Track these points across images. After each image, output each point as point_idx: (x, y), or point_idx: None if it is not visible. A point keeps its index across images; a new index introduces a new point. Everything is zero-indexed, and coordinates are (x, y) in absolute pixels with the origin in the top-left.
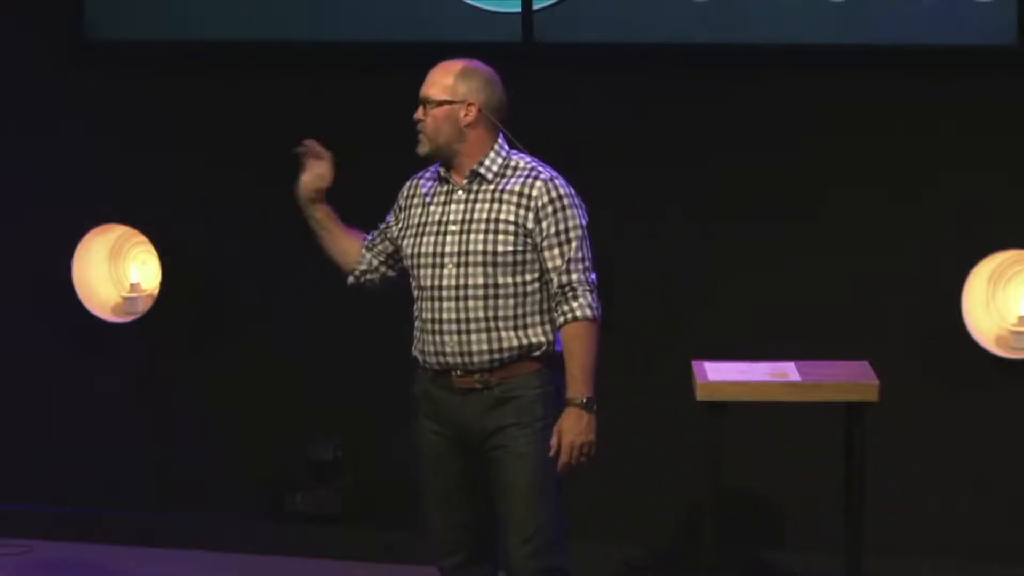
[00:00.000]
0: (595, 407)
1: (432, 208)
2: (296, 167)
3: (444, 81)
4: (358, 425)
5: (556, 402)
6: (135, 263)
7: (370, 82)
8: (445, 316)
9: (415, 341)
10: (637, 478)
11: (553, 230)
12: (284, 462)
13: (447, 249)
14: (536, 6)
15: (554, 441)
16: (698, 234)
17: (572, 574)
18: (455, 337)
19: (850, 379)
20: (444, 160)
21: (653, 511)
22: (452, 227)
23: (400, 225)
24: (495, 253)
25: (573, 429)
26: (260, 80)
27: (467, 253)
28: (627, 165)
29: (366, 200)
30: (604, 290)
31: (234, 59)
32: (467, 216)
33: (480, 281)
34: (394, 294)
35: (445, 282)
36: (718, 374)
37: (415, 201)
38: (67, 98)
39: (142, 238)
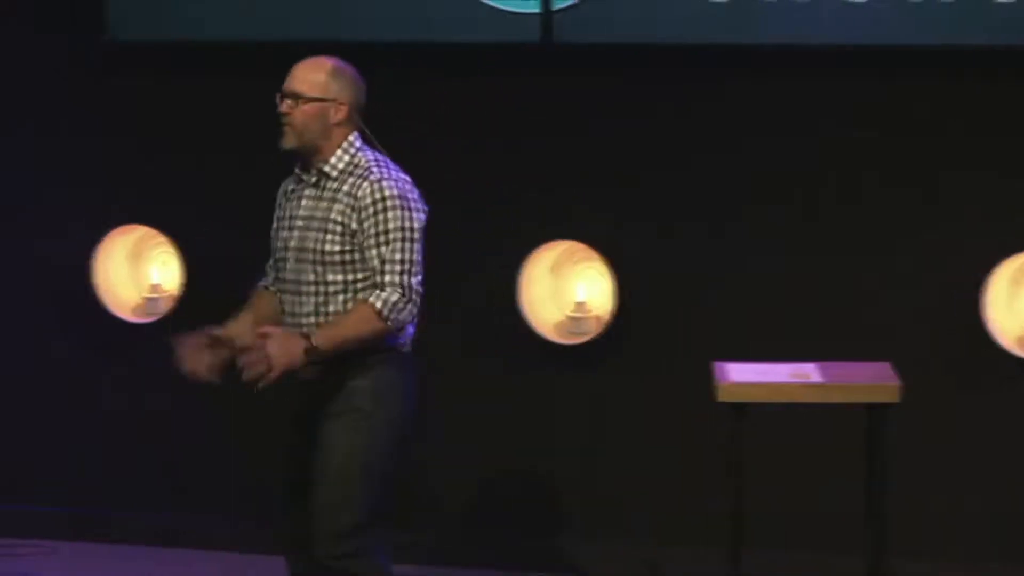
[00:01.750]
0: (313, 355)
1: (290, 204)
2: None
3: (315, 77)
4: None
5: (388, 396)
6: (156, 264)
7: (389, 82)
8: (299, 310)
9: None
10: (658, 479)
11: (373, 231)
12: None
13: (291, 244)
14: (555, 6)
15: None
16: (718, 233)
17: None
18: (308, 330)
19: (871, 380)
20: (302, 156)
21: (674, 512)
22: (298, 223)
23: (274, 224)
24: (323, 252)
25: (283, 346)
26: (283, 80)
27: (302, 250)
28: (646, 164)
29: None
30: (630, 286)
31: (256, 59)
32: (305, 213)
33: (311, 278)
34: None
35: (289, 276)
36: (739, 375)
37: (285, 198)
38: (89, 99)
39: (163, 239)
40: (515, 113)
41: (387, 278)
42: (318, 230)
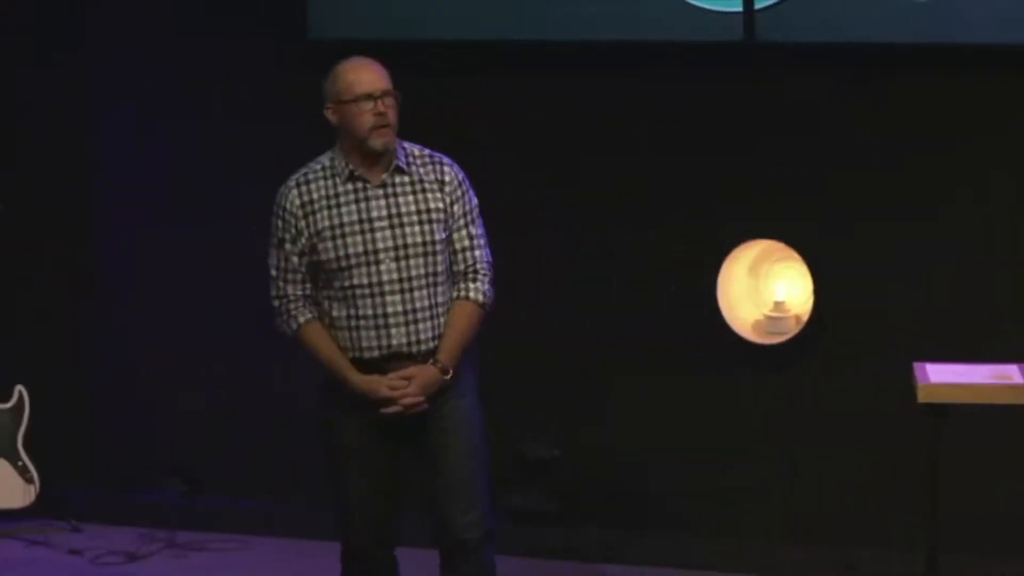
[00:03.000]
0: (448, 376)
1: (344, 208)
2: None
3: (388, 75)
4: (573, 423)
5: (477, 382)
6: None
7: (591, 81)
8: (391, 310)
9: (340, 340)
10: (855, 480)
11: (462, 211)
12: (499, 460)
13: (380, 246)
14: (758, 5)
15: (405, 383)
16: (917, 232)
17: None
18: (403, 328)
19: None
20: (373, 155)
21: (873, 514)
22: (380, 223)
23: (305, 234)
24: (434, 242)
25: (427, 384)
26: (476, 79)
27: (405, 246)
28: (848, 163)
29: (576, 196)
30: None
31: (451, 58)
32: (393, 211)
33: (421, 272)
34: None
35: (385, 277)
36: (939, 376)
37: (316, 207)
38: (291, 97)
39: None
40: (715, 112)
41: (477, 253)
42: (419, 223)
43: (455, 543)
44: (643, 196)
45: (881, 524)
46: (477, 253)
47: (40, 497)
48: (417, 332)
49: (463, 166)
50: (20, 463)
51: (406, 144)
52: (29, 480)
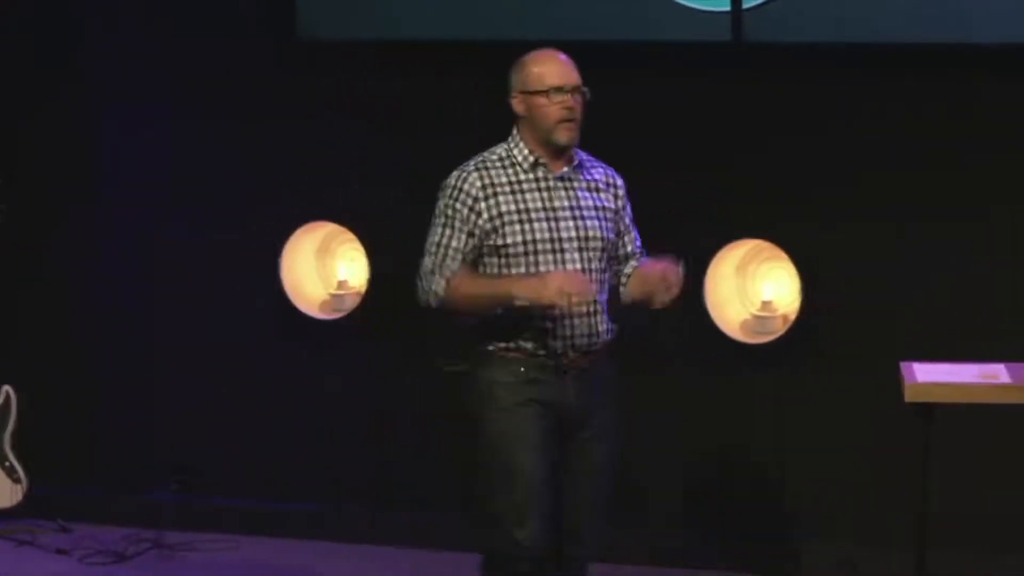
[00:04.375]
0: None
1: (529, 195)
2: None
3: (577, 69)
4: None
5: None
6: (343, 260)
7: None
8: (574, 300)
9: (514, 330)
10: (843, 479)
11: (628, 214)
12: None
13: (564, 235)
14: (746, 5)
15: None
16: (905, 232)
17: None
18: (585, 320)
19: None
20: (561, 149)
21: (860, 512)
22: (563, 213)
23: (485, 216)
24: (607, 239)
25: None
26: (465, 79)
27: (587, 239)
28: (836, 163)
29: None
30: (817, 285)
31: (445, 58)
32: (573, 203)
33: (596, 266)
34: None
35: (570, 267)
36: (927, 375)
37: (498, 190)
38: (280, 97)
39: (351, 235)
40: (703, 112)
41: (641, 256)
42: (597, 218)
43: (567, 555)
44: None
45: (872, 523)
46: (641, 257)
47: (29, 497)
48: (597, 324)
49: (453, 166)
50: (7, 463)
51: (577, 149)
52: (16, 480)
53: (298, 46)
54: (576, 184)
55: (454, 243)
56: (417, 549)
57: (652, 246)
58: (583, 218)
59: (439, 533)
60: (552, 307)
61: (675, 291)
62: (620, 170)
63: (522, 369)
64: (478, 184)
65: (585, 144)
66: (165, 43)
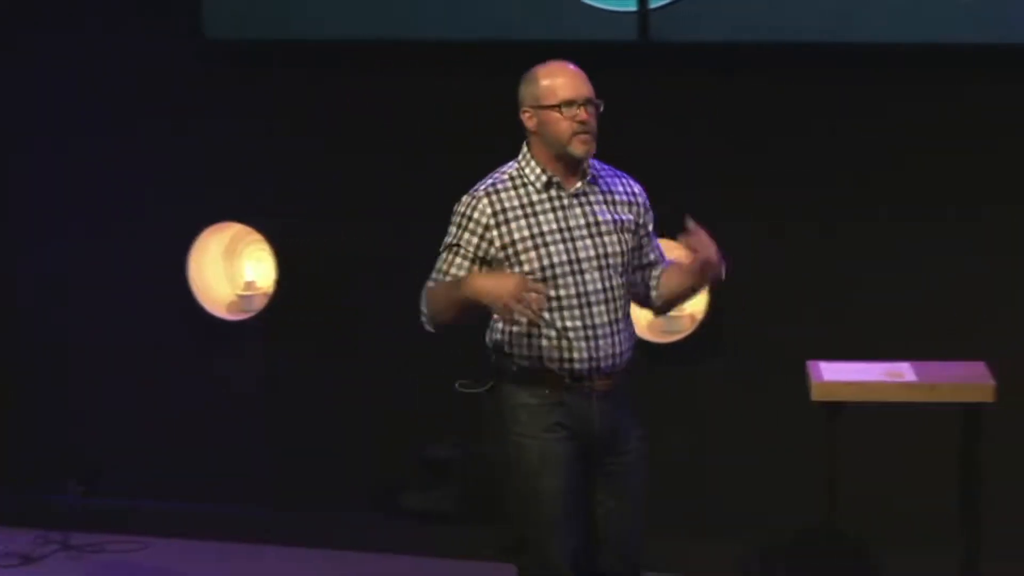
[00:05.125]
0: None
1: (543, 217)
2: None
3: (589, 81)
4: (474, 423)
5: None
6: (250, 261)
7: (485, 80)
8: (598, 320)
9: (542, 350)
10: (753, 478)
11: (650, 226)
12: (399, 461)
13: (582, 255)
14: (652, 5)
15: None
16: (811, 232)
17: None
18: (608, 340)
19: (966, 380)
20: (573, 164)
21: (769, 511)
22: (579, 232)
23: (498, 244)
24: (627, 253)
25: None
26: (375, 78)
27: (606, 256)
28: (743, 165)
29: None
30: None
31: (352, 58)
32: (589, 220)
33: (618, 282)
34: None
35: (591, 287)
36: (833, 374)
37: (510, 216)
38: (184, 97)
39: (257, 236)
40: (609, 111)
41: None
42: (616, 232)
43: (618, 562)
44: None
45: (778, 522)
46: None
47: None
48: (621, 343)
49: (349, 163)
50: None
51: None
52: None
53: (204, 45)
54: (593, 199)
55: (453, 270)
56: (325, 549)
57: None
58: (601, 235)
59: (347, 533)
60: (505, 313)
61: (714, 258)
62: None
63: (547, 391)
64: (488, 211)
65: (493, 142)
66: (70, 42)
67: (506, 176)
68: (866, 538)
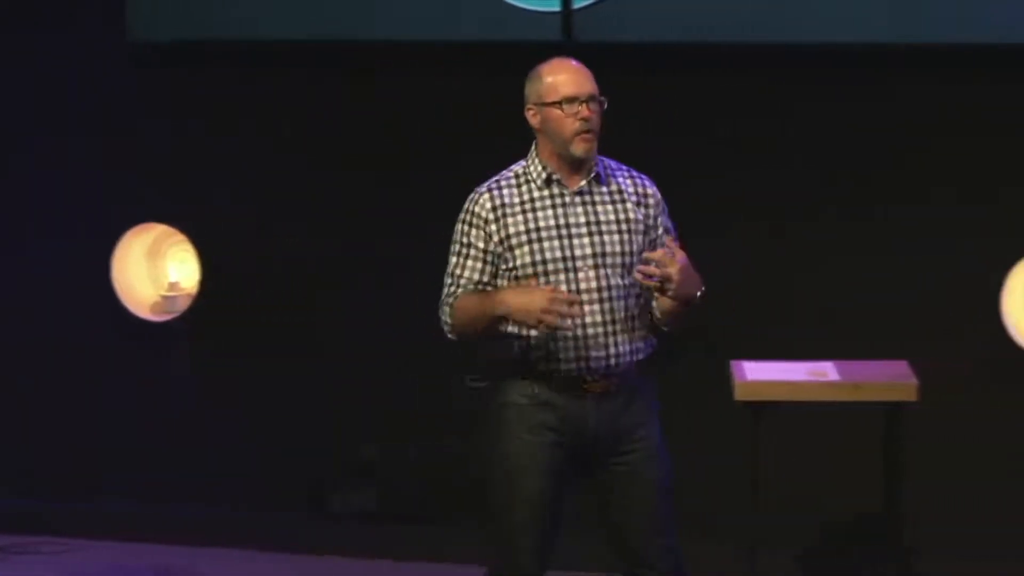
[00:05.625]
0: (692, 304)
1: (540, 213)
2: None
3: (593, 79)
4: (399, 425)
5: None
6: (174, 262)
7: (408, 80)
8: (588, 320)
9: (531, 351)
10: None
11: (665, 227)
12: (324, 461)
13: (577, 252)
14: (576, 5)
15: (672, 254)
16: (734, 232)
17: None
18: (601, 340)
19: (889, 379)
20: (576, 161)
21: (693, 510)
22: (578, 230)
23: (495, 239)
24: (630, 253)
25: (691, 279)
26: (298, 78)
27: (604, 255)
28: (666, 165)
29: (408, 197)
30: None
31: (273, 58)
32: (592, 218)
33: (617, 282)
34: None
35: (583, 286)
36: (757, 374)
37: (508, 211)
38: (107, 98)
39: (181, 237)
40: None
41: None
42: (619, 232)
43: (649, 571)
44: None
45: (700, 520)
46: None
47: None
48: (616, 344)
49: (271, 164)
50: None
51: (603, 156)
52: None
53: (128, 47)
54: (597, 198)
55: (467, 273)
56: (249, 550)
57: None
58: (601, 233)
59: (271, 533)
60: (539, 326)
61: (676, 276)
62: (450, 172)
63: (536, 390)
64: (488, 206)
65: (415, 144)
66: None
67: (512, 173)
68: (792, 536)
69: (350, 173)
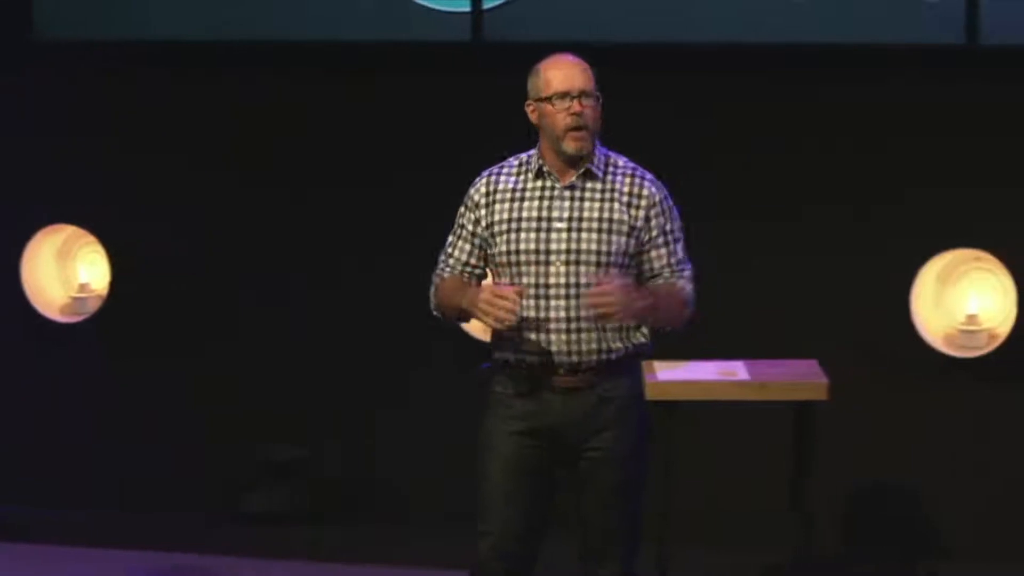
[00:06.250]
0: (643, 316)
1: (526, 204)
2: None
3: (590, 75)
4: (317, 425)
5: (645, 404)
6: (84, 263)
7: (319, 80)
8: (553, 315)
9: (502, 341)
10: None
11: (661, 229)
12: (238, 462)
13: (553, 247)
14: (486, 5)
15: (611, 285)
16: None
17: None
18: (564, 336)
19: (799, 378)
20: (559, 158)
21: None
22: (558, 224)
23: (483, 223)
24: (608, 253)
25: (627, 293)
26: (206, 79)
27: (578, 252)
28: None
29: (318, 197)
30: None
31: (178, 58)
32: (575, 214)
33: (593, 281)
34: (359, 295)
35: (553, 280)
36: (667, 374)
37: (498, 198)
38: (14, 98)
39: (91, 238)
40: (444, 111)
41: (686, 274)
42: (598, 231)
43: (596, 569)
44: (390, 198)
45: None
46: (688, 273)
47: None
48: (579, 342)
49: (180, 164)
50: None
51: (612, 153)
52: None
53: (33, 46)
54: (587, 194)
55: (456, 253)
56: (155, 551)
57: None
58: (580, 230)
59: (179, 533)
60: (492, 323)
61: (609, 308)
62: (363, 172)
63: (510, 381)
64: (483, 190)
65: (319, 145)
66: None
67: (517, 161)
68: (702, 534)
69: (255, 173)
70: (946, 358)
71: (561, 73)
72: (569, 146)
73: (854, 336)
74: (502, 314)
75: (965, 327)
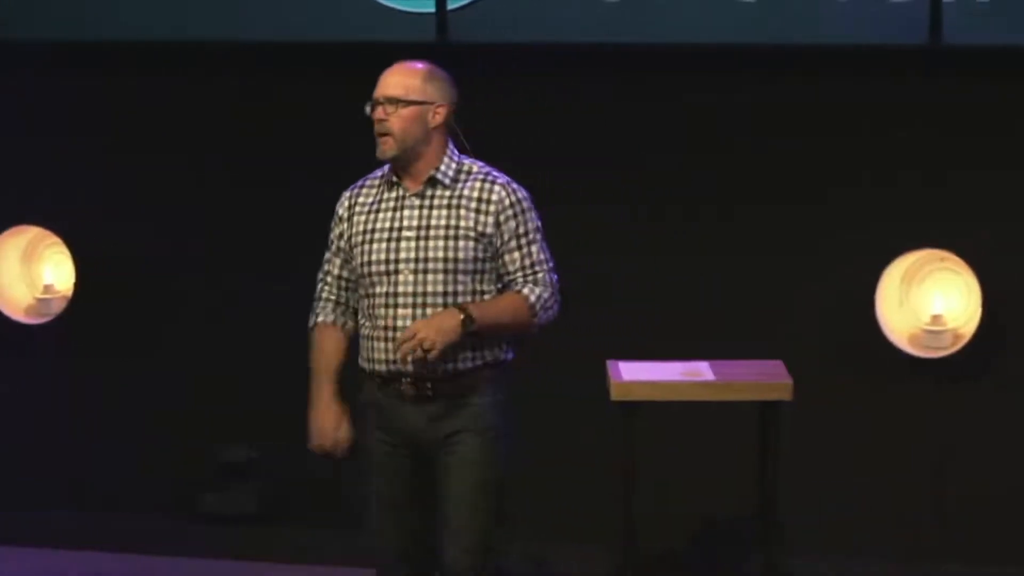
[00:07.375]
0: (469, 328)
1: (380, 215)
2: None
3: (410, 82)
4: (272, 425)
5: (506, 411)
6: (49, 264)
7: (282, 81)
8: (399, 324)
9: (362, 350)
10: (552, 477)
11: (514, 233)
12: (196, 462)
13: (402, 256)
14: (450, 6)
15: (410, 329)
16: (612, 233)
17: None
18: (382, 344)
19: (764, 378)
20: (399, 164)
21: (567, 511)
22: (407, 233)
23: (345, 237)
24: (455, 260)
25: (441, 324)
26: (170, 79)
27: (425, 260)
28: (540, 164)
29: (274, 197)
30: None
31: (143, 58)
32: (423, 223)
33: (439, 289)
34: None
35: (401, 289)
36: (632, 374)
37: (357, 211)
38: None
39: (56, 239)
40: None
41: (540, 276)
42: (445, 238)
43: (444, 571)
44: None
45: (574, 520)
46: (542, 275)
47: None
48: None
49: (147, 164)
50: None
51: (467, 160)
52: None
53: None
54: (435, 202)
55: (330, 268)
56: (112, 552)
57: None
58: (428, 238)
59: (137, 534)
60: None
61: (423, 343)
62: (317, 172)
63: (365, 390)
64: (346, 204)
65: (292, 146)
66: None
67: (380, 173)
68: (667, 535)
69: (219, 173)
70: (911, 358)
71: (380, 80)
72: (377, 150)
73: (819, 336)
74: (324, 443)
75: (930, 327)
